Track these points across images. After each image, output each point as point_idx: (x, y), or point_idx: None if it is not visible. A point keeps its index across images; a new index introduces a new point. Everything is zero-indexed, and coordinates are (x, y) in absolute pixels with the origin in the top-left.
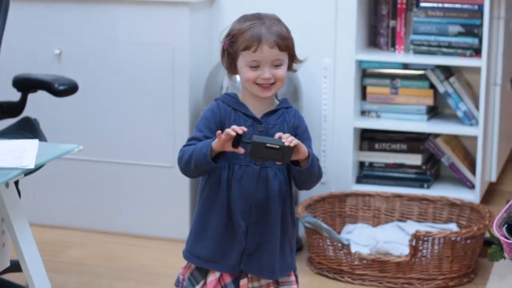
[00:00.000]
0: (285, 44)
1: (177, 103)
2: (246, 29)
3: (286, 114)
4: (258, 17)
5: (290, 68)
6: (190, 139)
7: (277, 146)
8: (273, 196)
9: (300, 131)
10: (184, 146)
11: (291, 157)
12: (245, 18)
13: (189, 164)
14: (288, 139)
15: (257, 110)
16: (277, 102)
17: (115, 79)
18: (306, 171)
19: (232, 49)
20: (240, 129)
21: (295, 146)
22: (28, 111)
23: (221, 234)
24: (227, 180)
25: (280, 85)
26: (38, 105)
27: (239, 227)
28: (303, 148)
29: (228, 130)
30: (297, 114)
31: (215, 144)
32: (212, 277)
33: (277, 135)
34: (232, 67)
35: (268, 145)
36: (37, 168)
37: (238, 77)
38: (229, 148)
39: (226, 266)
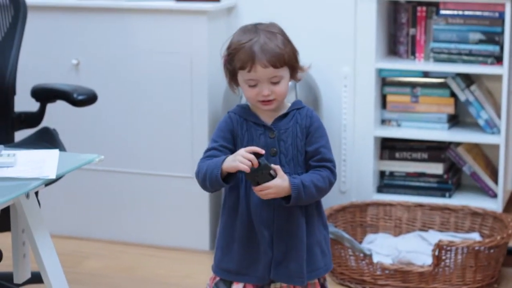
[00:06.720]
0: (280, 60)
1: (196, 112)
2: (241, 48)
3: (298, 115)
4: (254, 31)
5: (294, 78)
6: (206, 151)
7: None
8: None
9: (312, 129)
10: (201, 159)
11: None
12: (243, 31)
13: (204, 182)
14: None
15: (269, 117)
16: (289, 105)
17: (133, 89)
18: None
19: (231, 66)
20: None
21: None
22: (47, 121)
23: (246, 246)
24: (245, 190)
25: (281, 99)
26: (57, 115)
27: (263, 237)
28: (279, 188)
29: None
30: (309, 113)
31: (226, 165)
32: None
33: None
34: (233, 82)
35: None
36: (58, 178)
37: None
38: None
39: (255, 277)
